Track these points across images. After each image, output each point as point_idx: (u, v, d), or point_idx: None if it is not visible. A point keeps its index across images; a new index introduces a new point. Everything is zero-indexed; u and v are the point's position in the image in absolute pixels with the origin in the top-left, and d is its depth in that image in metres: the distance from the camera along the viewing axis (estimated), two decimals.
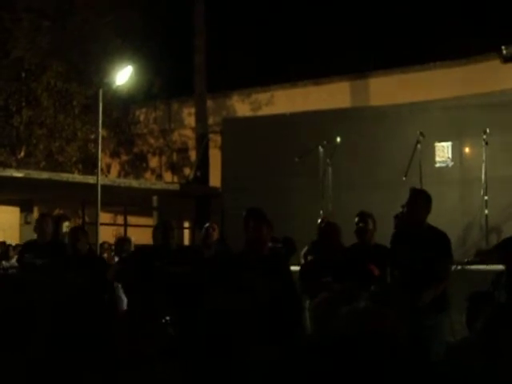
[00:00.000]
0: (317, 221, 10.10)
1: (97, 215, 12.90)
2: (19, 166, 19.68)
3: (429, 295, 5.86)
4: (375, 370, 2.24)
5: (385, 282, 6.30)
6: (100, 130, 13.69)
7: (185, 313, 5.03)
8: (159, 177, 24.26)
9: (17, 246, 16.35)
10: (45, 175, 16.97)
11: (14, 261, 14.33)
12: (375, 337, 2.29)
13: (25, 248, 8.66)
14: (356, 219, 7.15)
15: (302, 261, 8.72)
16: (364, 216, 7.15)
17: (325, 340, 2.46)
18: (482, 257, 7.16)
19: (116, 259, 10.27)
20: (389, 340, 2.29)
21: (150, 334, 3.07)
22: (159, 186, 20.00)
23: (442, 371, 2.98)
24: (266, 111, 20.84)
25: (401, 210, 7.49)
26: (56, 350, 2.87)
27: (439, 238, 6.17)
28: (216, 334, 2.95)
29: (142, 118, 24.51)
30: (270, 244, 7.38)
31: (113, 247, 14.83)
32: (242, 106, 22.59)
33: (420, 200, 6.29)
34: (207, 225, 9.35)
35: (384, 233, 7.10)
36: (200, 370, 2.90)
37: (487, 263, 7.75)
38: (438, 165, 12.39)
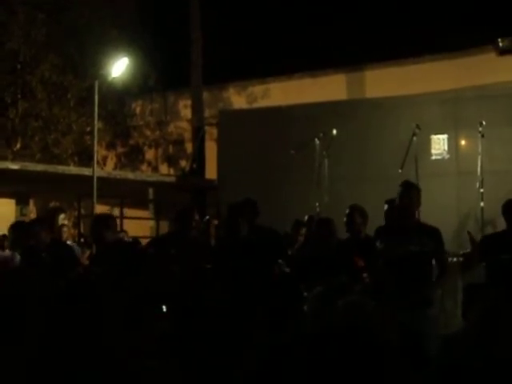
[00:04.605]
0: (313, 213, 10.12)
1: (92, 207, 12.89)
2: (15, 158, 19.64)
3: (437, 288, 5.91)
4: (366, 361, 2.25)
5: (376, 275, 6.31)
6: (96, 122, 13.66)
7: (182, 308, 5.01)
8: (155, 169, 24.21)
9: None
10: (40, 167, 16.91)
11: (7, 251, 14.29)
12: (366, 330, 2.29)
13: None
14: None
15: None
16: (351, 209, 7.21)
17: (322, 332, 2.47)
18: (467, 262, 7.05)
19: None
20: (380, 333, 2.29)
21: (148, 329, 3.06)
22: (155, 178, 19.97)
23: (437, 363, 2.99)
24: (261, 103, 20.81)
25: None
26: (50, 347, 2.86)
27: (433, 233, 6.17)
28: (214, 329, 2.95)
29: (138, 110, 24.43)
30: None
31: None
32: (237, 99, 22.57)
33: (413, 193, 6.30)
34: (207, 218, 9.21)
35: (380, 224, 7.10)
36: (198, 366, 2.90)
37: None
38: (433, 157, 12.40)
